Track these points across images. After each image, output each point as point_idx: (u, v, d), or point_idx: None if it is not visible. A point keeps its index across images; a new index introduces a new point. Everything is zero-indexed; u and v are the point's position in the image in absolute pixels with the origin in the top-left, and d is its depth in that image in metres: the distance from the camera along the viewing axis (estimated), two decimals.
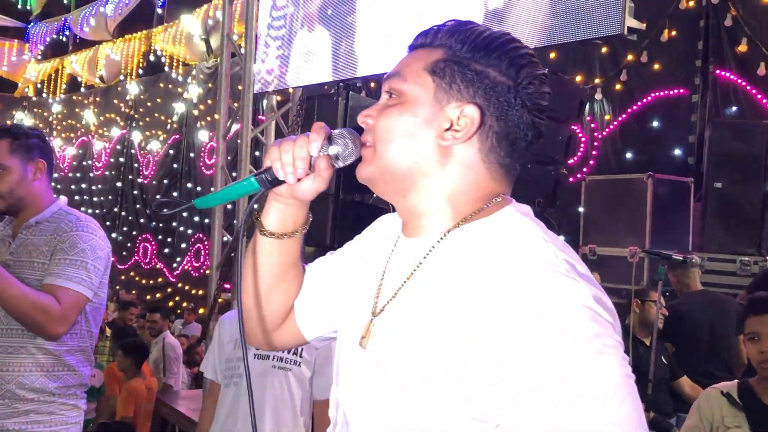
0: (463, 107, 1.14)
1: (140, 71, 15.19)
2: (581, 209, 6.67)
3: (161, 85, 14.48)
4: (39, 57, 18.38)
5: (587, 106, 7.73)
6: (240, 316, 1.26)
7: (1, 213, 2.63)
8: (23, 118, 18.39)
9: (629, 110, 7.44)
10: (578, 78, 7.71)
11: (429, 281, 1.13)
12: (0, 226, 2.73)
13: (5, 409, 2.42)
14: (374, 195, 6.74)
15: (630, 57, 7.32)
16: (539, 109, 1.17)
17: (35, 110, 18.47)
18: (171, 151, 13.96)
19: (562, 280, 1.02)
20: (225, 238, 6.39)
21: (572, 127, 7.54)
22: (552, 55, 7.82)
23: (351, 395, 1.21)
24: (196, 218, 12.92)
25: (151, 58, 14.66)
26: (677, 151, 7.05)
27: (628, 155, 7.43)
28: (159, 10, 14.84)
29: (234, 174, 6.40)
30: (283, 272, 1.37)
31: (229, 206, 6.60)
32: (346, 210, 6.05)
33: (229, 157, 6.72)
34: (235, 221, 6.24)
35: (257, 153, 7.43)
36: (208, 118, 12.74)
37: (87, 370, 2.59)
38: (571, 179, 7.49)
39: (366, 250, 1.35)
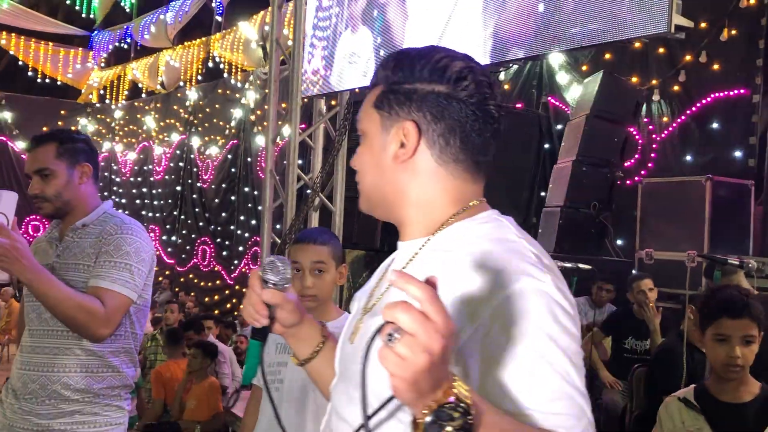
0: (402, 125, 1.29)
1: (199, 77, 15.43)
2: (638, 213, 6.53)
3: (219, 91, 14.69)
4: (102, 64, 18.84)
5: (644, 108, 7.58)
6: None
7: (48, 216, 2.68)
8: (87, 124, 18.85)
9: (688, 112, 7.25)
10: (635, 79, 7.57)
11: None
12: (48, 229, 2.78)
13: (51, 410, 2.46)
14: None
15: (688, 57, 7.14)
16: (479, 98, 1.27)
17: (98, 116, 18.91)
18: (229, 156, 14.15)
19: (529, 268, 1.16)
20: (274, 240, 6.44)
21: (628, 129, 7.41)
22: (607, 56, 7.71)
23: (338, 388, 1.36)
24: (253, 222, 13.06)
25: (210, 64, 14.88)
26: (737, 153, 6.85)
27: (687, 157, 7.24)
28: (217, 18, 15.06)
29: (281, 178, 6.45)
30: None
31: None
32: None
33: (285, 161, 6.75)
34: (278, 225, 6.28)
35: (300, 161, 7.46)
36: (265, 123, 12.83)
37: (131, 372, 2.63)
38: (628, 182, 7.36)
39: (381, 267, 1.49)
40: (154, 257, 2.71)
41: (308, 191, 6.65)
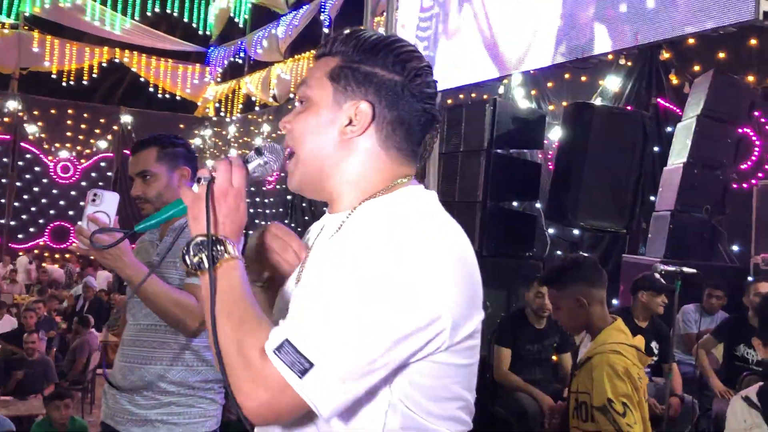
0: (357, 104, 1.33)
1: None
2: (753, 217, 6.26)
3: None
4: (218, 79, 19.56)
5: (762, 108, 7.24)
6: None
7: None
8: (204, 137, 19.58)
9: None
10: (750, 78, 7.24)
11: (334, 247, 1.29)
12: (149, 231, 2.91)
13: (149, 401, 2.57)
14: (524, 202, 6.58)
15: None
16: (429, 96, 1.36)
17: (215, 129, 19.60)
18: None
19: (398, 226, 1.21)
20: None
21: (743, 129, 7.10)
22: (721, 54, 7.42)
23: None
24: None
25: None
26: None
27: None
28: (326, 30, 15.37)
29: None
30: None
31: None
32: (494, 217, 6.02)
33: None
34: None
35: None
36: None
37: None
38: (744, 185, 7.05)
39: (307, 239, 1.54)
40: None
41: None
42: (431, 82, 1.36)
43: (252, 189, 17.51)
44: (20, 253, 17.61)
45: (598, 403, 2.64)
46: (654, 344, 5.24)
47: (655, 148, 7.83)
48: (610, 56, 5.83)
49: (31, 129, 18.35)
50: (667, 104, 8.18)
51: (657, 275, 4.95)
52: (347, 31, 1.40)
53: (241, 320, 1.21)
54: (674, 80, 8.11)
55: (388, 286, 1.16)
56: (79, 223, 2.40)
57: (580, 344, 3.14)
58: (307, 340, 1.14)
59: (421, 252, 1.18)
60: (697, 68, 7.70)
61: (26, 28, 18.36)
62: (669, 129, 7.79)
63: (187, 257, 1.29)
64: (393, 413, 1.23)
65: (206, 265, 1.27)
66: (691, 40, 7.25)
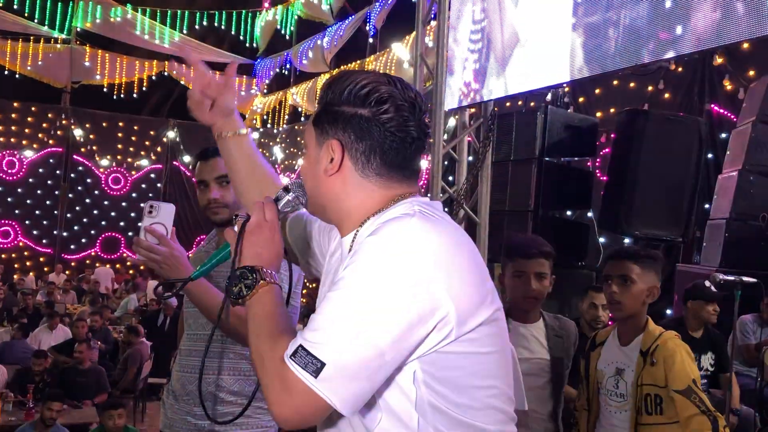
0: (330, 143, 1.48)
1: None
2: None
3: None
4: (264, 91, 19.73)
5: None
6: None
7: (222, 222, 2.75)
8: None
9: None
10: None
11: (341, 267, 1.42)
12: (206, 240, 2.92)
13: (208, 411, 2.57)
14: (576, 211, 6.50)
15: None
16: (401, 120, 1.45)
17: (262, 140, 19.78)
18: None
19: (382, 236, 1.33)
20: None
21: None
22: None
23: None
24: None
25: None
26: None
27: None
28: (371, 40, 15.43)
29: (429, 195, 6.50)
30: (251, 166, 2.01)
31: None
32: (545, 226, 5.95)
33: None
34: None
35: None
36: None
37: None
38: None
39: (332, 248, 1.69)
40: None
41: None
42: (400, 106, 1.45)
43: None
44: (97, 265, 18.13)
45: (682, 386, 2.64)
46: (710, 354, 5.11)
47: (709, 155, 7.68)
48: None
49: (83, 141, 18.72)
50: (720, 110, 8.03)
51: (709, 284, 4.84)
52: (326, 81, 1.55)
53: (267, 336, 1.38)
54: (728, 86, 7.96)
55: (386, 286, 1.28)
56: (138, 234, 2.41)
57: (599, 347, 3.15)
58: (317, 343, 1.28)
59: (414, 251, 1.30)
60: (751, 73, 7.55)
61: (78, 42, 18.77)
62: (723, 135, 7.65)
63: (229, 289, 1.49)
64: (422, 410, 1.34)
65: (245, 294, 1.46)
66: (745, 45, 7.11)
